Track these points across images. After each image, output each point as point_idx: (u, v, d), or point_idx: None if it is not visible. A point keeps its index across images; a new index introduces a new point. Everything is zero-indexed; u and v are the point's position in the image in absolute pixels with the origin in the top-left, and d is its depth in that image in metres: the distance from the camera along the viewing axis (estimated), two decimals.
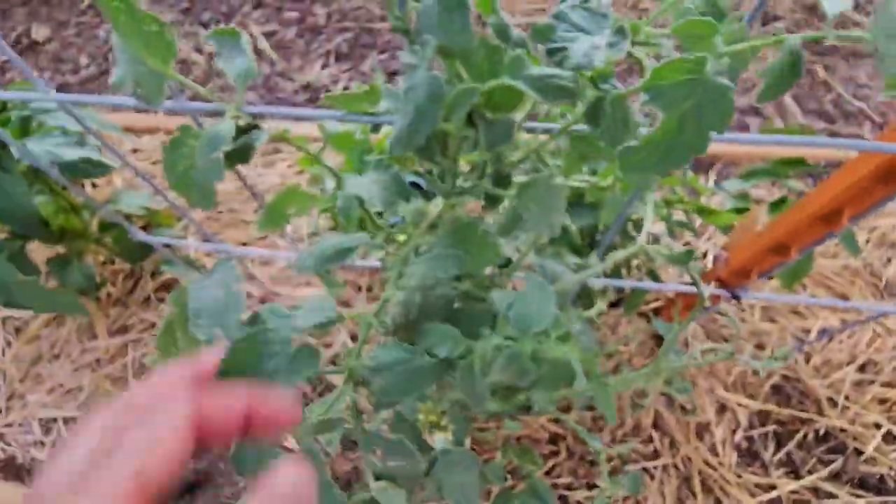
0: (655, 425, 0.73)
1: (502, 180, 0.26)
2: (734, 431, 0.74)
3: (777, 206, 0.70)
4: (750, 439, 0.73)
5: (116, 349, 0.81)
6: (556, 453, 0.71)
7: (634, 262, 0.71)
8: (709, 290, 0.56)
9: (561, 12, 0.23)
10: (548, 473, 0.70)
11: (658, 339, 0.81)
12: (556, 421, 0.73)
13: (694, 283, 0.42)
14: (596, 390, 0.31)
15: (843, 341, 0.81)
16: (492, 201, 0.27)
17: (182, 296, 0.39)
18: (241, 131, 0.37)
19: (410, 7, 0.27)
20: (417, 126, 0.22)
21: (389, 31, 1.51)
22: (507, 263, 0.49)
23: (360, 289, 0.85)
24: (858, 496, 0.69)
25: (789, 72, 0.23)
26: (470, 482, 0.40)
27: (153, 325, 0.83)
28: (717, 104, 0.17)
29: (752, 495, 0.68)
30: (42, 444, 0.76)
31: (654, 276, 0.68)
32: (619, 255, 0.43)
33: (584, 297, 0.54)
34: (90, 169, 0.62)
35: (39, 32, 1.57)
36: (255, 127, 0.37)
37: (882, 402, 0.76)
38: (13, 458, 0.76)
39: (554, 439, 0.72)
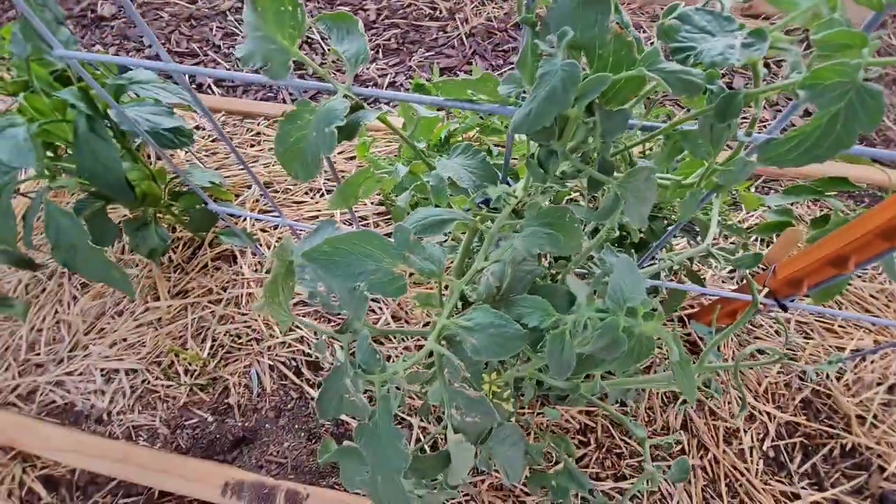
0: (685, 426, 0.75)
1: (607, 168, 0.29)
2: (762, 440, 0.75)
3: (819, 222, 0.72)
4: (777, 448, 0.75)
5: (176, 311, 0.87)
6: (585, 444, 0.74)
7: (674, 266, 0.74)
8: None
9: (685, 14, 0.26)
10: (577, 462, 0.73)
11: (688, 344, 0.83)
12: (588, 413, 0.76)
13: (746, 290, 0.45)
14: (678, 368, 0.33)
15: (875, 361, 0.82)
16: (595, 186, 0.30)
17: (285, 251, 0.44)
18: (351, 110, 0.41)
19: (540, 2, 0.30)
20: (548, 108, 0.25)
21: (437, 30, 1.55)
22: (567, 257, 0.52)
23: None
24: None
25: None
26: (516, 456, 0.43)
27: (210, 291, 0.89)
28: (868, 106, 0.20)
29: (777, 502, 0.70)
30: (102, 392, 0.82)
31: (696, 280, 0.71)
32: (686, 253, 0.45)
33: None
34: (180, 139, 0.67)
35: (105, 8, 1.65)
36: (362, 107, 0.41)
37: None
38: (72, 404, 0.82)
39: (584, 430, 0.75)
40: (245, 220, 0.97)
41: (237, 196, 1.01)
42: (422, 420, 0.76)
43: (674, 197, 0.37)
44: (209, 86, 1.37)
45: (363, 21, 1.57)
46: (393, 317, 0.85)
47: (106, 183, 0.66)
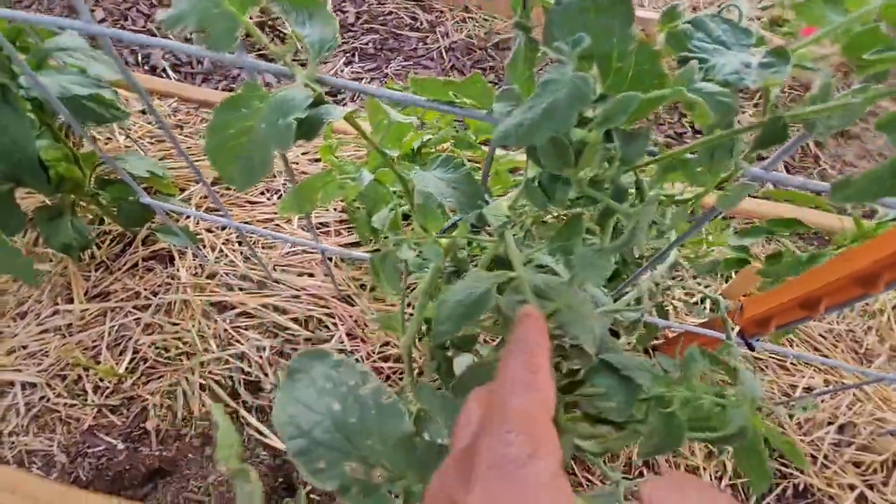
0: (647, 464, 0.73)
1: (621, 195, 0.25)
2: (720, 478, 0.74)
3: (773, 259, 0.73)
4: (734, 487, 0.74)
5: (92, 316, 0.75)
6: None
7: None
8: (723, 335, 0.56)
9: (699, 20, 0.23)
10: None
11: None
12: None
13: (711, 325, 0.42)
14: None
15: (825, 401, 0.84)
16: (606, 215, 0.26)
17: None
18: (313, 104, 0.35)
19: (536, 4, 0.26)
20: (546, 123, 0.21)
21: (417, 40, 1.52)
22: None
23: (363, 286, 0.82)
24: None
25: None
26: None
27: (137, 295, 0.78)
28: None
29: None
30: None
31: (662, 313, 0.69)
32: (659, 283, 0.42)
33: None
34: (102, 112, 0.58)
35: None
36: (325, 102, 0.36)
37: (857, 464, 0.78)
38: None
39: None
40: (188, 217, 0.87)
41: (182, 190, 0.91)
42: None
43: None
44: (164, 70, 1.26)
45: (341, 23, 1.52)
46: (348, 334, 0.78)
47: (13, 161, 0.56)
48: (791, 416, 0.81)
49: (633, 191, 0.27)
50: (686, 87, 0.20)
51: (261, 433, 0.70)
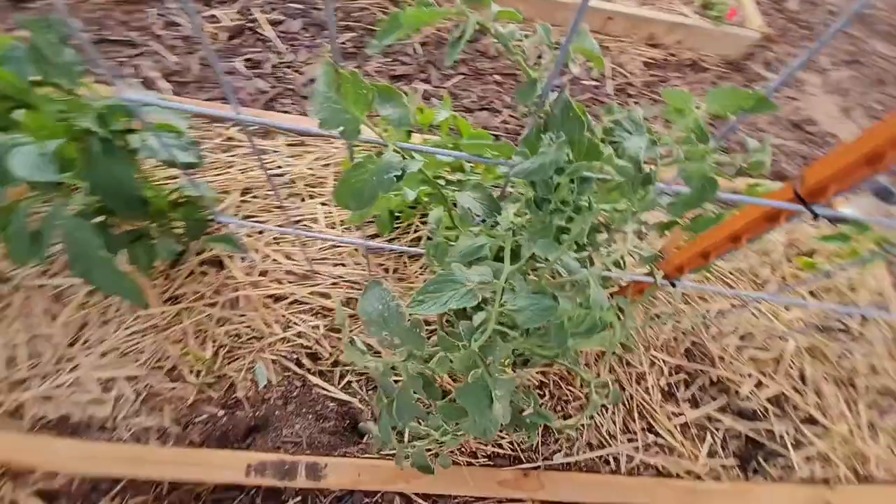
0: (611, 370, 1.01)
1: (581, 209, 0.48)
2: (659, 379, 1.04)
3: (693, 220, 1.01)
4: (669, 384, 1.04)
5: (171, 316, 0.91)
6: (542, 395, 0.96)
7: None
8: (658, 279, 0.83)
9: (617, 121, 0.45)
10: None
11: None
12: (543, 373, 0.98)
13: (651, 275, 0.68)
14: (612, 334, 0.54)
15: (730, 318, 1.15)
16: (570, 220, 0.49)
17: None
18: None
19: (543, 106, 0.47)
20: (541, 170, 0.43)
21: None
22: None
23: (387, 270, 1.03)
24: (737, 421, 1.02)
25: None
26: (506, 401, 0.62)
27: (202, 296, 0.94)
28: (711, 187, 0.40)
29: (670, 419, 0.98)
30: (101, 402, 0.84)
31: (619, 267, 0.96)
32: (618, 251, 0.67)
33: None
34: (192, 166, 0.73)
35: None
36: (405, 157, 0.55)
37: (754, 360, 1.11)
38: (67, 417, 0.83)
39: (540, 385, 0.97)
40: (232, 225, 1.02)
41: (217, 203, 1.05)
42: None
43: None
44: (154, 81, 1.33)
45: (316, 21, 1.60)
46: None
47: (122, 201, 0.70)
48: (706, 328, 1.11)
49: (586, 205, 0.50)
50: (610, 160, 0.42)
51: (326, 390, 0.90)
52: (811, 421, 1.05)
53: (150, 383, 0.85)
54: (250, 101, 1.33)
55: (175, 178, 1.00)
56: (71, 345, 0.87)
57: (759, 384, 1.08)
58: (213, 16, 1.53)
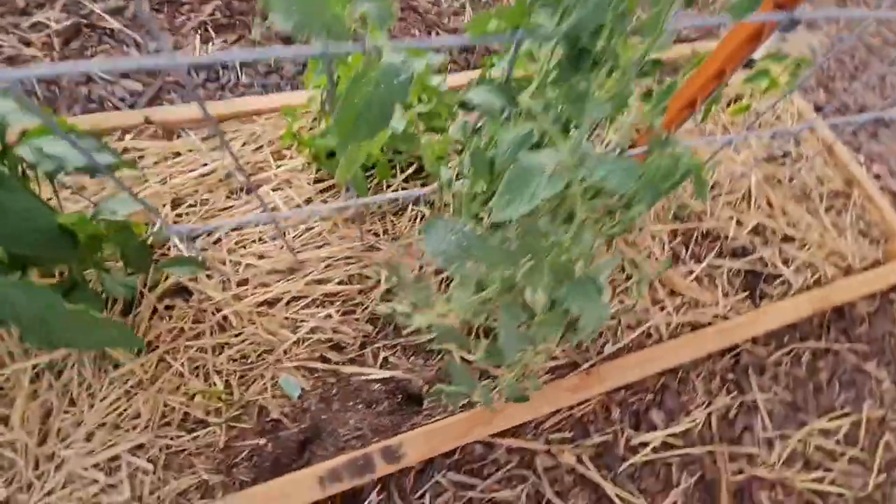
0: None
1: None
2: (664, 248, 1.08)
3: (645, 94, 1.02)
4: (672, 249, 1.09)
5: (153, 366, 0.75)
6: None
7: None
8: None
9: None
10: None
11: None
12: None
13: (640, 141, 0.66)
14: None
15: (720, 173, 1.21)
16: (610, 73, 0.44)
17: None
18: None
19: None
20: (591, 18, 0.37)
21: None
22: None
23: (377, 234, 0.93)
24: (733, 260, 1.10)
25: None
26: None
27: (181, 332, 0.79)
28: None
29: (685, 278, 1.04)
30: (111, 486, 0.69)
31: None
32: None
33: None
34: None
35: None
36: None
37: (729, 204, 1.19)
38: None
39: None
40: (194, 240, 0.85)
41: (147, 225, 0.86)
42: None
43: None
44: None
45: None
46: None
47: (37, 238, 0.53)
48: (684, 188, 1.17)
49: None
50: None
51: (365, 375, 0.82)
52: (789, 239, 1.16)
53: (164, 444, 0.72)
54: (127, 106, 1.09)
55: (91, 203, 0.80)
56: (41, 443, 0.70)
57: (739, 223, 1.17)
58: (38, 23, 1.20)
